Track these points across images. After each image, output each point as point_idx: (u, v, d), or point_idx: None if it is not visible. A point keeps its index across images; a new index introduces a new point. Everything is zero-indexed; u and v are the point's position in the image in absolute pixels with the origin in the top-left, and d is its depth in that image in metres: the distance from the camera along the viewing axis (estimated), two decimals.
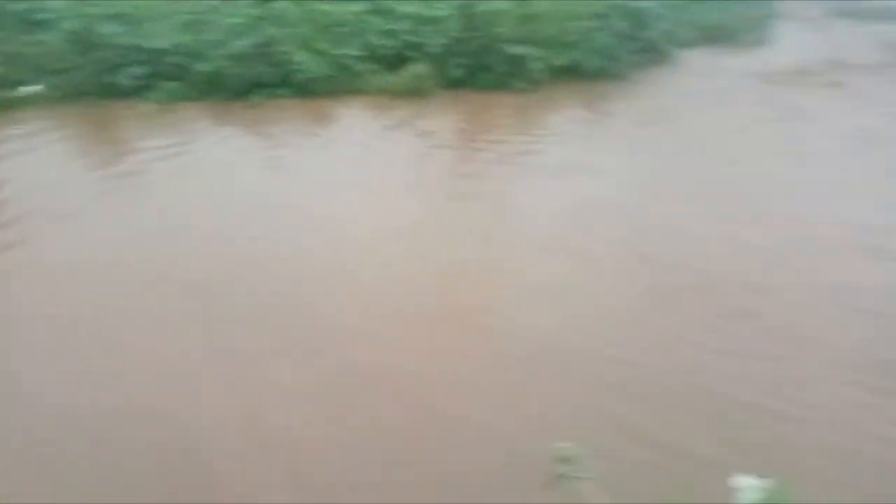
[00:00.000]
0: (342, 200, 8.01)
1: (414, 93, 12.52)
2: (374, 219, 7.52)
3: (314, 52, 12.77)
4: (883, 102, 11.71)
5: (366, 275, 6.31)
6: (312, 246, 6.88)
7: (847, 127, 10.37)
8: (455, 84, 13.00)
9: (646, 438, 4.29)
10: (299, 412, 4.65)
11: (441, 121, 11.29)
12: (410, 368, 5.06)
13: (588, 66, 13.54)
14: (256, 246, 6.89)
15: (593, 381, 4.87)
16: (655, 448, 4.21)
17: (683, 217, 7.43)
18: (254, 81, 12.37)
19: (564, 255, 6.65)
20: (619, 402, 4.64)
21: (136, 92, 12.09)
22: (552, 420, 4.51)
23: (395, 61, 13.27)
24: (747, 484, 1.73)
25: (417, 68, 12.88)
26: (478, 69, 13.16)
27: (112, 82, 12.20)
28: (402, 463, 4.21)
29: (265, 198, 8.09)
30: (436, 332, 5.46)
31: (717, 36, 16.76)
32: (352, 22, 13.66)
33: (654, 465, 4.08)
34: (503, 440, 4.31)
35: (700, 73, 14.07)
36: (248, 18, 13.00)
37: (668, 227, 7.20)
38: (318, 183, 8.60)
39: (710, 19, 17.13)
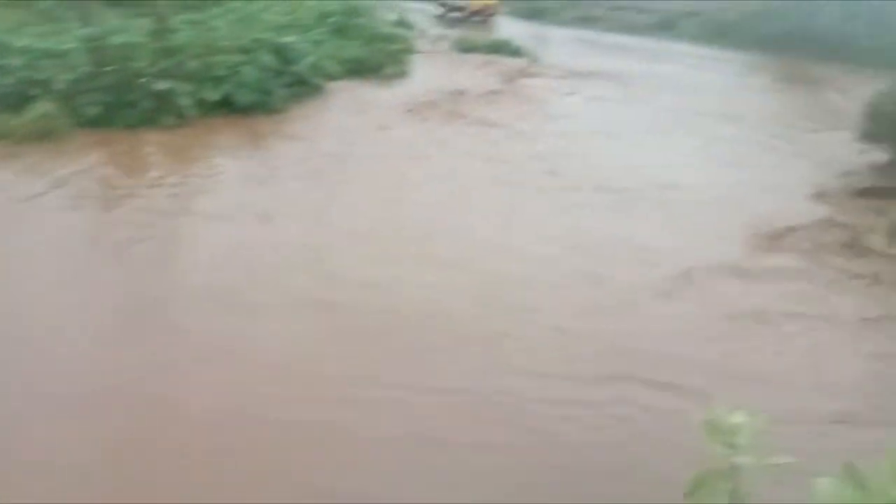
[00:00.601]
0: None
1: (44, 136, 11.14)
2: None
3: None
4: (498, 125, 13.68)
5: None
6: None
7: (477, 154, 11.81)
8: (93, 123, 11.85)
9: None
10: None
11: (79, 165, 10.23)
12: None
13: (241, 100, 13.49)
14: None
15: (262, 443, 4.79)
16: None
17: (354, 258, 7.54)
18: None
19: (233, 308, 6.42)
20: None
21: None
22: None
23: (17, 101, 11.69)
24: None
25: (44, 107, 11.47)
26: (118, 106, 12.20)
27: None
28: None
29: None
30: None
31: (361, 69, 17.99)
32: None
33: None
34: None
35: (349, 106, 14.95)
36: None
37: (342, 270, 7.22)
38: None
39: (354, 54, 18.32)
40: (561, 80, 19.49)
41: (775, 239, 8.35)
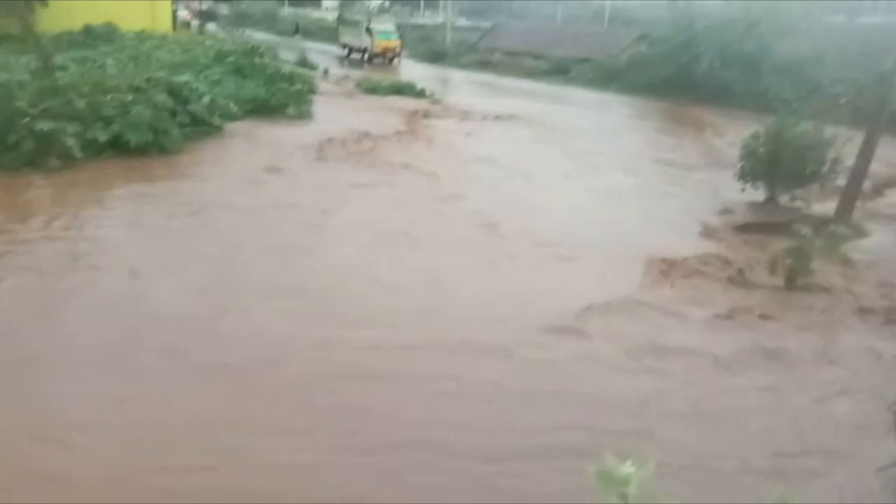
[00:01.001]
0: None
1: None
2: None
3: None
4: (401, 166, 13.75)
5: None
6: None
7: (379, 196, 11.80)
8: None
9: None
10: None
11: None
12: None
13: (132, 140, 12.94)
14: None
15: None
16: None
17: (248, 315, 7.01)
18: None
19: (113, 372, 5.98)
20: None
21: None
22: None
23: None
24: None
25: None
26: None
27: None
28: None
29: None
30: None
31: (262, 109, 17.78)
32: None
33: None
34: None
35: (249, 147, 14.67)
36: None
37: (235, 328, 6.73)
38: None
39: (254, 94, 18.09)
40: (462, 121, 19.97)
41: (666, 275, 8.76)
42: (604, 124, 21.35)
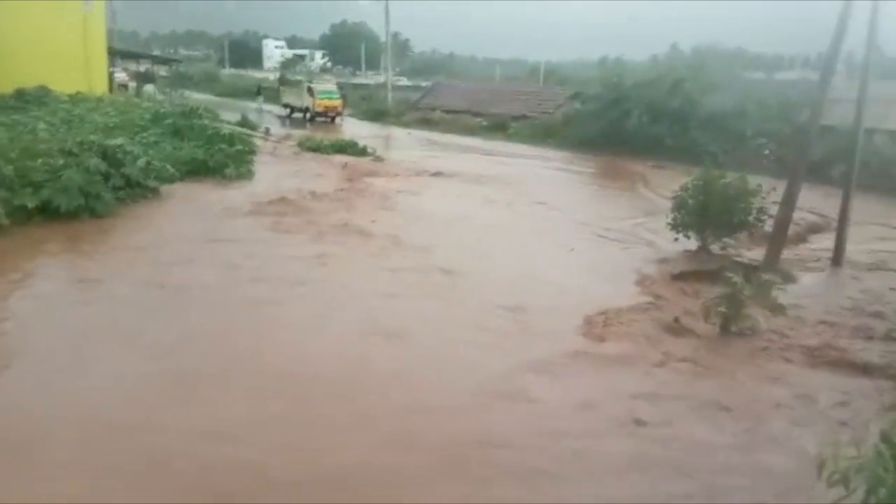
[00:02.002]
0: None
1: None
2: None
3: None
4: (345, 224, 13.73)
5: None
6: None
7: (323, 258, 11.66)
8: None
9: None
10: None
11: None
12: None
13: (63, 205, 12.57)
14: None
15: None
16: None
17: (185, 402, 6.58)
18: None
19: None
20: None
21: None
22: None
23: None
24: None
25: None
26: None
27: None
28: None
29: None
30: None
31: (201, 171, 17.57)
32: None
33: None
34: None
35: (186, 210, 14.40)
36: None
37: (170, 419, 6.28)
38: None
39: (192, 155, 17.89)
40: (405, 178, 20.16)
41: (607, 326, 8.90)
42: (542, 179, 21.88)
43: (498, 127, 35.57)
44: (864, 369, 7.98)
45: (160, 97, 34.44)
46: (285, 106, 41.43)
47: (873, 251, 13.24)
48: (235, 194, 15.93)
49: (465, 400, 6.86)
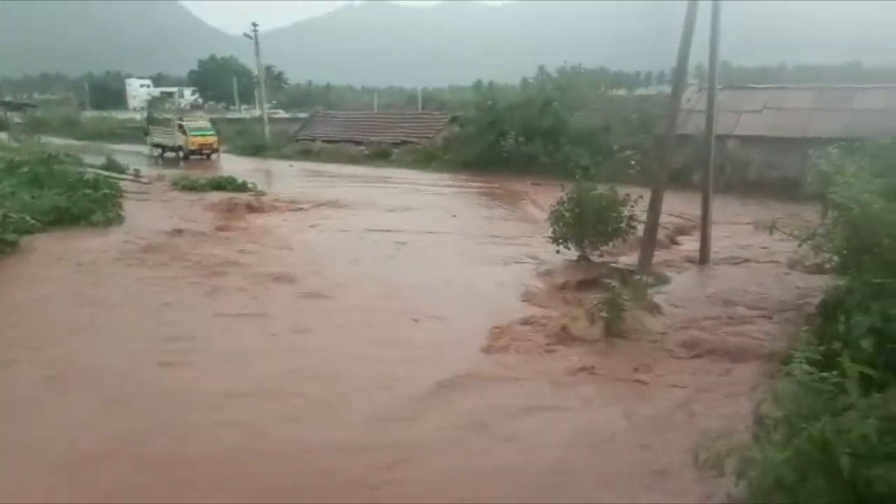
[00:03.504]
0: None
1: None
2: None
3: None
4: (223, 264, 13.24)
5: None
6: None
7: (199, 303, 11.17)
8: None
9: None
10: None
11: None
12: None
13: None
14: None
15: None
16: None
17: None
18: None
19: None
20: None
21: None
22: None
23: None
24: None
25: None
26: None
27: None
28: None
29: None
30: None
31: (64, 219, 16.45)
32: None
33: None
34: None
35: (47, 261, 13.32)
36: None
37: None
38: None
39: (54, 203, 16.71)
40: (287, 211, 19.78)
41: (498, 343, 9.08)
42: (428, 203, 22.12)
43: (380, 154, 35.73)
44: (737, 353, 8.58)
45: (15, 145, 31.99)
46: (156, 146, 39.65)
47: (733, 247, 14.34)
48: (100, 241, 14.94)
49: (355, 433, 6.73)
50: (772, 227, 8.34)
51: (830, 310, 7.33)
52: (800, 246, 8.34)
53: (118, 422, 6.94)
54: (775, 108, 25.51)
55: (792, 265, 11.85)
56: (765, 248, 13.25)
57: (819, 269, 8.57)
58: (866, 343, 5.07)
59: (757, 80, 38.25)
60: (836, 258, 7.75)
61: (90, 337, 9.51)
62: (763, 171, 22.80)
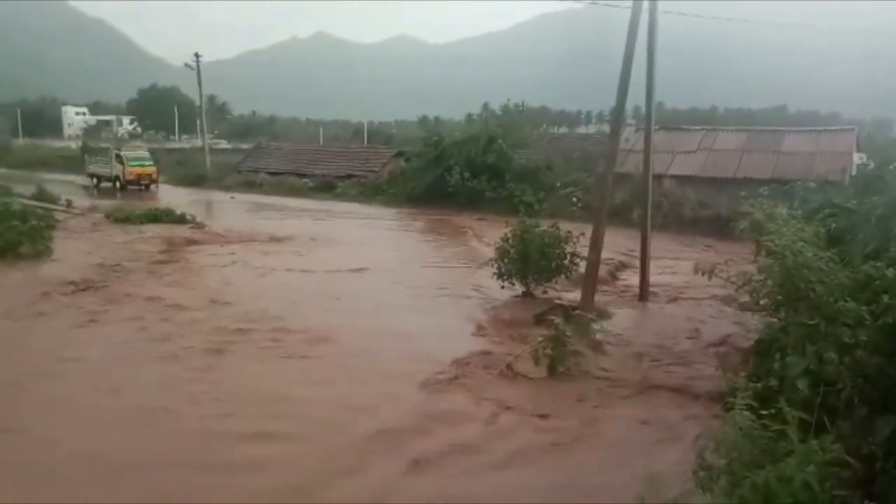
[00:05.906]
0: None
1: None
2: None
3: None
4: (157, 300, 12.76)
5: None
6: None
7: (132, 344, 10.67)
8: None
9: None
10: None
11: None
12: None
13: None
14: None
15: None
16: None
17: None
18: None
19: None
20: None
21: None
22: None
23: None
24: None
25: None
26: None
27: None
28: None
29: None
30: None
31: None
32: None
33: None
34: None
35: None
36: None
37: None
38: None
39: None
40: (226, 244, 19.27)
41: (443, 379, 8.94)
42: (373, 237, 21.96)
43: (325, 187, 35.44)
44: (677, 391, 8.69)
45: None
46: (91, 176, 38.36)
47: (670, 284, 14.66)
48: (29, 275, 14.25)
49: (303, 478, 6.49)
50: (710, 273, 8.55)
51: (765, 347, 7.50)
52: (737, 291, 8.56)
53: None
54: (708, 149, 26.57)
55: (727, 302, 12.16)
56: (700, 285, 13.58)
57: (753, 307, 8.79)
58: (802, 384, 5.17)
59: (690, 121, 39.89)
60: (769, 301, 7.97)
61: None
62: (697, 210, 23.57)
